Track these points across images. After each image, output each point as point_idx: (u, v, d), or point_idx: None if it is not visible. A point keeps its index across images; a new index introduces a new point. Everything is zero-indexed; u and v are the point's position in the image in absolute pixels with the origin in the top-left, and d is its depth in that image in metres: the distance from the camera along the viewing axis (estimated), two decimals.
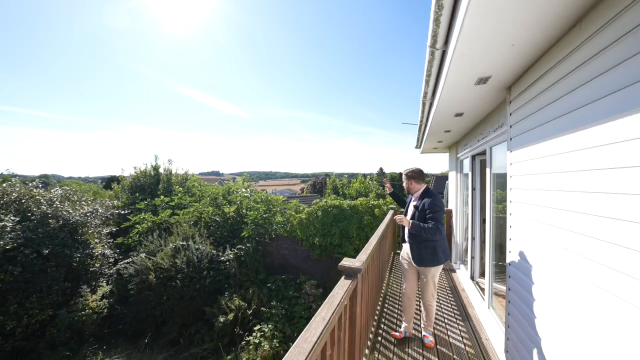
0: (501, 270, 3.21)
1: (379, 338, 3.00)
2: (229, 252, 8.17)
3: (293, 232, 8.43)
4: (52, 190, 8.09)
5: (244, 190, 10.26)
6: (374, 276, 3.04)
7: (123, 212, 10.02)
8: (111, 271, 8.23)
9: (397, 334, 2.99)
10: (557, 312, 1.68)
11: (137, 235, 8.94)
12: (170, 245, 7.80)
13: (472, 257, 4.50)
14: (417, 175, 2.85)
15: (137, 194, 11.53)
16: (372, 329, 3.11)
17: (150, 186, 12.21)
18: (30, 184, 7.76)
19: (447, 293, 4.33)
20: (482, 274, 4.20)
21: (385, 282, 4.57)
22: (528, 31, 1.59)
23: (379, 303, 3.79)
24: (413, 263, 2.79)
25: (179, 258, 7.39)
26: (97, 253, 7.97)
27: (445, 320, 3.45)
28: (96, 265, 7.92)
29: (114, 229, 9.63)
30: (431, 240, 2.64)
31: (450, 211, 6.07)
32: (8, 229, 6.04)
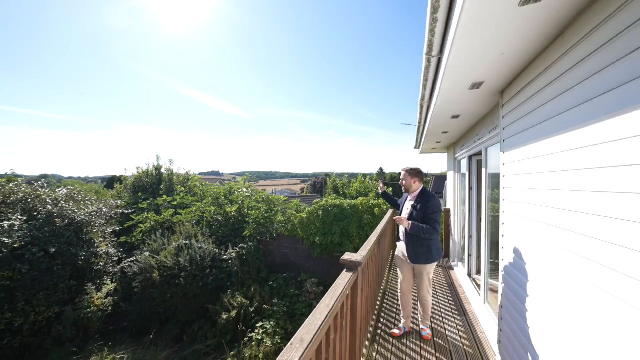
0: (496, 267, 3.34)
1: (379, 331, 3.13)
2: (231, 251, 8.30)
3: (294, 231, 8.56)
4: (57, 190, 8.22)
5: (245, 190, 10.39)
6: (374, 272, 3.17)
7: (126, 211, 10.15)
8: (115, 270, 8.36)
9: (396, 331, 3.05)
10: (546, 303, 1.80)
11: (141, 235, 9.08)
12: (174, 244, 7.92)
13: (469, 255, 4.63)
14: (418, 173, 2.94)
15: (140, 194, 11.67)
16: (372, 323, 3.24)
17: (153, 186, 12.34)
18: (35, 184, 7.89)
19: (445, 289, 4.46)
20: (479, 271, 4.33)
21: (385, 278, 4.70)
22: (515, 43, 1.72)
23: (379, 299, 3.92)
24: (408, 261, 2.89)
25: (183, 257, 7.52)
26: (101, 252, 8.10)
27: (443, 315, 3.58)
28: (100, 263, 8.05)
29: (118, 228, 9.77)
30: (427, 239, 2.76)
31: (449, 210, 6.20)
32: (16, 227, 6.17)
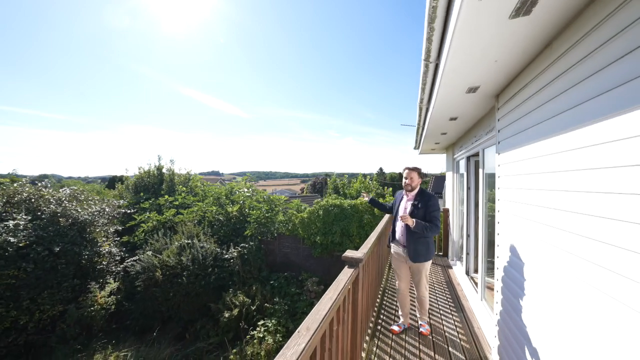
0: (493, 265, 3.43)
1: (379, 327, 3.23)
2: (233, 250, 8.39)
3: (295, 231, 8.66)
4: (60, 190, 8.31)
5: (246, 190, 10.49)
6: (374, 270, 3.26)
7: (128, 211, 10.25)
8: (118, 269, 8.46)
9: (395, 328, 3.12)
10: (539, 299, 1.89)
11: (143, 234, 9.17)
12: (176, 243, 8.02)
13: (467, 254, 4.73)
14: (421, 173, 3.01)
15: (142, 194, 11.76)
16: (372, 319, 3.34)
17: (154, 186, 12.44)
18: (39, 184, 7.99)
19: (444, 287, 4.56)
20: (477, 270, 4.42)
21: (385, 277, 4.80)
22: (507, 52, 1.82)
23: (379, 296, 4.02)
24: (409, 260, 2.90)
25: (185, 256, 7.62)
26: (104, 251, 8.20)
27: (441, 312, 3.68)
28: (103, 263, 8.15)
29: (120, 228, 9.87)
30: (425, 238, 2.85)
31: (448, 210, 6.30)
32: (21, 227, 6.27)
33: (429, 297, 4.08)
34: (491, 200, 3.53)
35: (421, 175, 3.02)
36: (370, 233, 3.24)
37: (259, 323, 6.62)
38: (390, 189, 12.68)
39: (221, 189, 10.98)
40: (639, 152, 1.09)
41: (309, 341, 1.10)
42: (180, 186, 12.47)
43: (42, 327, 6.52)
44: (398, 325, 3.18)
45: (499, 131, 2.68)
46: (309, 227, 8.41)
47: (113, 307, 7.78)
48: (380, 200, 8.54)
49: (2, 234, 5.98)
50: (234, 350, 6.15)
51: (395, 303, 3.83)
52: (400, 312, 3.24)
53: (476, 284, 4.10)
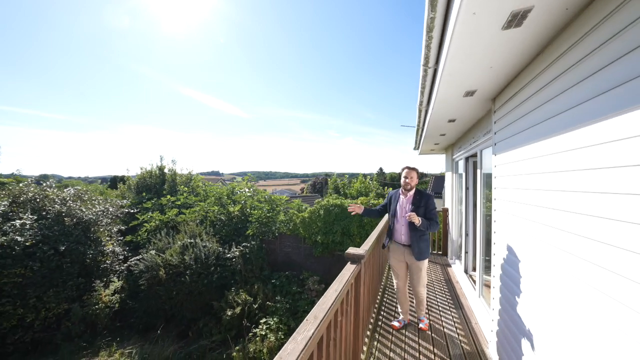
0: (490, 263, 3.54)
1: (380, 323, 3.33)
2: (235, 249, 8.49)
3: (296, 231, 8.76)
4: (64, 190, 8.42)
5: (247, 190, 10.59)
6: (375, 268, 3.37)
7: (131, 211, 10.35)
8: (122, 268, 8.57)
9: (396, 324, 3.22)
10: (533, 294, 1.99)
11: (146, 234, 9.27)
12: (179, 242, 8.12)
13: (466, 252, 4.83)
14: (418, 171, 3.09)
15: (144, 194, 11.87)
16: (373, 315, 3.44)
17: (156, 186, 12.54)
18: (44, 184, 8.09)
19: (443, 285, 4.66)
20: (475, 268, 4.53)
21: (385, 275, 4.90)
22: (502, 59, 1.93)
23: (379, 294, 4.12)
24: (412, 259, 2.96)
25: (188, 255, 7.72)
26: (108, 250, 8.30)
27: (440, 308, 3.78)
28: (107, 262, 8.25)
29: (123, 228, 9.97)
30: (426, 235, 2.96)
31: (447, 210, 6.40)
32: (27, 226, 6.37)
33: (429, 295, 4.20)
34: (489, 199, 3.63)
35: (419, 174, 3.11)
36: (371, 232, 3.32)
37: (261, 321, 6.72)
38: (390, 188, 12.78)
39: (223, 189, 11.08)
40: (621, 153, 1.19)
41: (317, 327, 1.21)
42: (182, 186, 12.57)
43: (47, 324, 6.62)
44: (398, 322, 3.28)
45: (495, 133, 2.79)
46: (310, 226, 8.51)
47: (117, 305, 7.88)
48: (381, 200, 8.64)
49: (10, 233, 6.09)
50: (237, 348, 6.25)
51: (394, 301, 3.93)
52: (399, 309, 3.34)
53: (474, 281, 4.21)
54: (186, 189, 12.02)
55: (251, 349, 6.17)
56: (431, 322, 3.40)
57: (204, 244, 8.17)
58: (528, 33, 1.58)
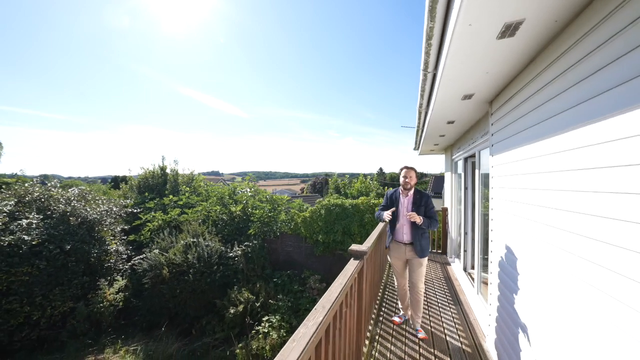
0: (488, 261, 3.64)
1: (381, 318, 3.44)
2: (237, 248, 8.60)
3: (297, 230, 8.87)
4: (69, 190, 8.52)
5: (248, 190, 10.70)
6: (376, 265, 3.47)
7: (134, 210, 10.46)
8: (125, 267, 8.68)
9: (396, 319, 3.31)
10: (528, 289, 2.09)
11: (149, 233, 9.38)
12: (182, 242, 8.23)
13: (465, 251, 4.94)
14: (416, 171, 3.18)
15: (146, 194, 11.97)
16: (375, 311, 3.55)
17: (158, 186, 12.64)
18: (49, 184, 8.20)
19: (442, 283, 4.77)
20: (473, 266, 4.63)
21: (386, 273, 5.01)
22: (497, 66, 2.03)
23: (380, 291, 4.23)
24: (414, 256, 3.02)
25: (190, 254, 7.83)
26: (112, 249, 8.41)
27: (440, 305, 3.89)
28: (111, 261, 8.36)
29: (126, 227, 10.08)
30: (426, 233, 3.07)
31: (446, 209, 6.50)
32: (34, 225, 6.48)
33: (428, 292, 4.30)
34: (487, 199, 3.73)
35: (417, 174, 3.20)
36: (372, 232, 3.40)
37: (264, 319, 6.83)
38: (390, 188, 12.92)
39: (224, 189, 11.18)
40: (605, 155, 1.29)
41: (325, 314, 1.31)
42: (184, 186, 12.68)
43: (53, 322, 6.73)
44: (399, 317, 3.38)
45: (492, 135, 2.89)
46: (311, 226, 8.61)
47: (121, 303, 7.99)
48: (381, 200, 8.75)
49: (17, 232, 6.20)
50: (240, 345, 6.36)
51: (395, 298, 4.03)
52: (400, 306, 3.44)
53: (473, 279, 4.31)
54: (188, 189, 12.13)
55: (254, 346, 6.28)
56: (431, 317, 3.50)
57: (207, 243, 8.28)
58: (521, 42, 1.69)
